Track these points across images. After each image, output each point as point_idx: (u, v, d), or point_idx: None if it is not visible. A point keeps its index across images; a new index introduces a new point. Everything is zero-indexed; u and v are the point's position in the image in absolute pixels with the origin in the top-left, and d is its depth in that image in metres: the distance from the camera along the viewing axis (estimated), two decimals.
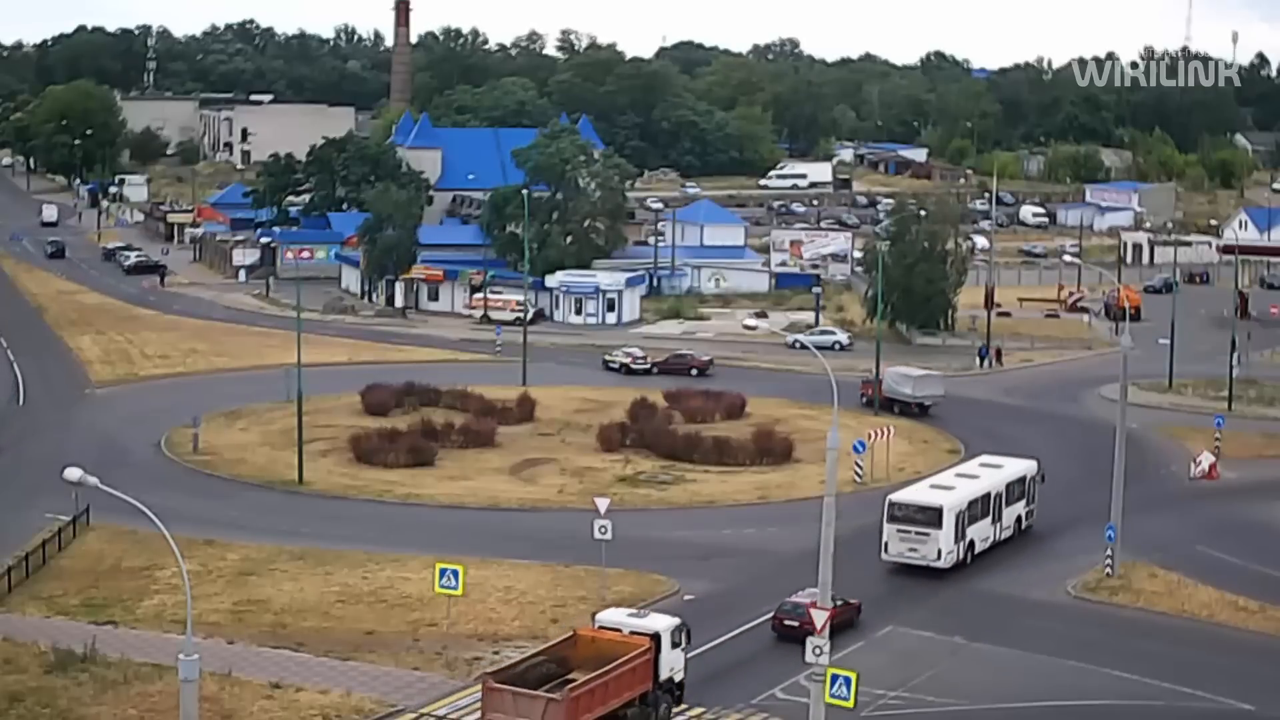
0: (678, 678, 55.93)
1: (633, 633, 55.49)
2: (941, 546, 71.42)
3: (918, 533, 71.91)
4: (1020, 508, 78.88)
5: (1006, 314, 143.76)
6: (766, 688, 58.04)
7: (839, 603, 59.21)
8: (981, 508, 74.94)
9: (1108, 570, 71.98)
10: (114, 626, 63.51)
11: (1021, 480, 79.37)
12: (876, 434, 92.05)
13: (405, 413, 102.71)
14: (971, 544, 73.65)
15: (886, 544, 73.16)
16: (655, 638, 55.10)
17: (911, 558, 72.17)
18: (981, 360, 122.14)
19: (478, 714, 53.46)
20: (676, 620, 57.25)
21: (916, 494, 74.89)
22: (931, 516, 71.30)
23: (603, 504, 70.31)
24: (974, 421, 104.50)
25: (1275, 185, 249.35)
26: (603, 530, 67.90)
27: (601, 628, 56.49)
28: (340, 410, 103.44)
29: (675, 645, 56.04)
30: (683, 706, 55.71)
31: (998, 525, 76.43)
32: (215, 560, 72.11)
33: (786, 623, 63.04)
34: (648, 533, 76.61)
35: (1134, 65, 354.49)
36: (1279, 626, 66.34)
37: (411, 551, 73.10)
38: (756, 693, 57.74)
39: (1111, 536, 72.33)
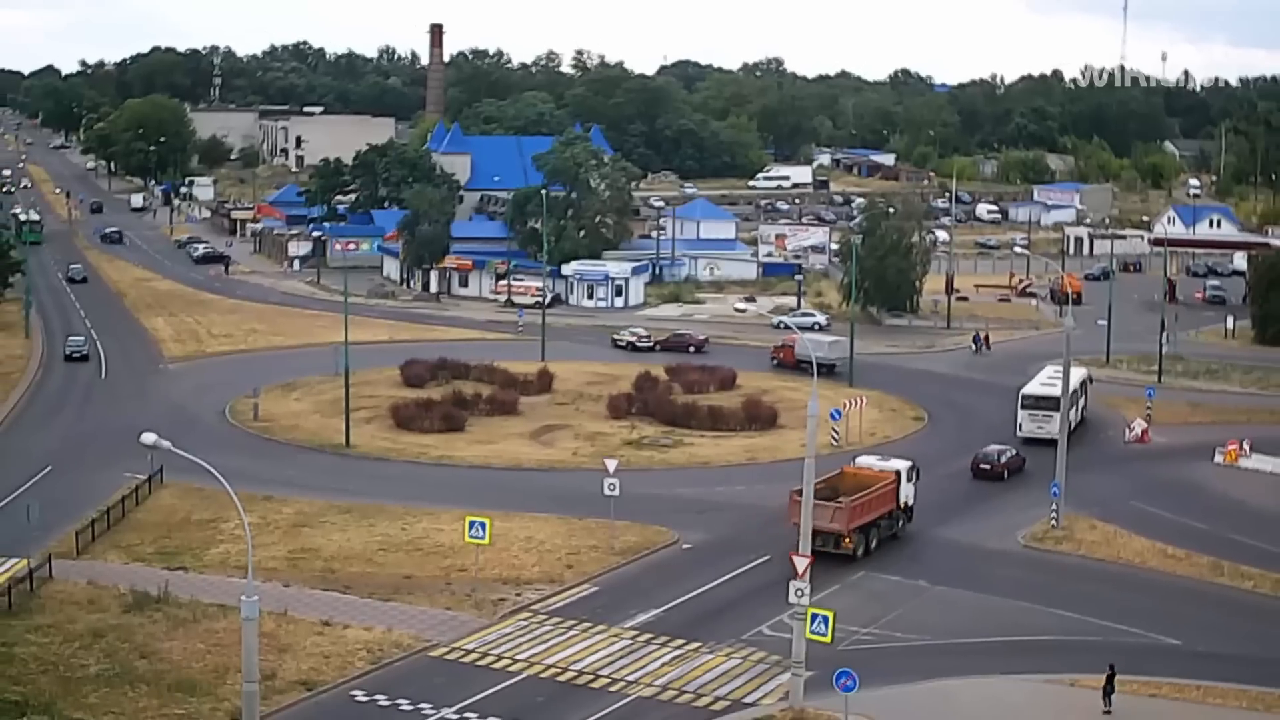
0: (910, 503, 70.94)
1: (881, 470, 70.08)
2: (1073, 419, 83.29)
3: (1044, 415, 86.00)
4: (1081, 402, 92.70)
5: (964, 299, 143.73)
6: (754, 625, 58.07)
7: (1013, 454, 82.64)
8: (1072, 400, 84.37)
9: (1053, 522, 71.99)
10: (184, 572, 63.55)
11: (1083, 384, 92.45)
12: (851, 403, 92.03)
13: (439, 385, 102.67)
14: (1070, 423, 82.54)
15: (1021, 424, 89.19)
16: (897, 474, 69.89)
17: (1038, 433, 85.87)
18: (976, 346, 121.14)
19: (504, 648, 54.34)
20: (910, 463, 71.94)
21: (1041, 389, 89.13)
22: (1052, 404, 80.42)
23: (611, 464, 70.38)
24: (935, 392, 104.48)
25: (1190, 190, 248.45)
26: (611, 488, 67.96)
27: (860, 468, 70.90)
28: (382, 382, 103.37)
29: (909, 480, 70.81)
30: (848, 548, 65.71)
31: (1076, 410, 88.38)
32: (273, 514, 72.13)
33: (981, 466, 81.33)
34: (651, 490, 76.58)
35: (1075, 81, 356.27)
36: (1202, 571, 66.23)
37: (444, 506, 73.09)
38: (746, 629, 57.75)
39: (1056, 492, 72.52)
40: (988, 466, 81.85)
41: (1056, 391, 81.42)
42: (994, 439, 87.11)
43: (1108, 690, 49.67)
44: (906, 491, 70.41)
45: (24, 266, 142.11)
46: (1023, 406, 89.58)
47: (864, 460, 72.94)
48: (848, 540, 65.68)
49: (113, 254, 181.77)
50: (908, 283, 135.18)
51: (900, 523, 70.46)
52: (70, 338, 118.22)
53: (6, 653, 53.81)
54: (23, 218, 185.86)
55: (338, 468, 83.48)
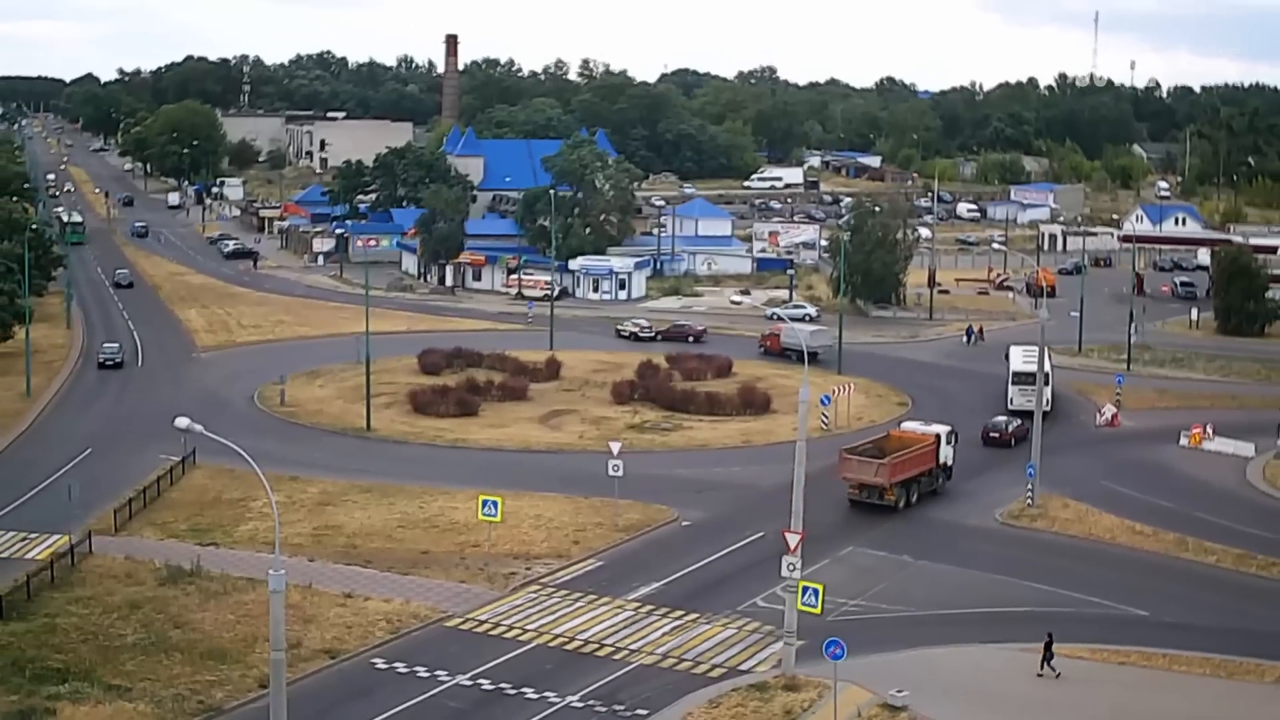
0: (949, 463, 74.91)
1: (923, 434, 74.03)
2: (1047, 395, 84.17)
3: (1032, 389, 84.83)
4: (1053, 380, 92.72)
5: (945, 291, 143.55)
6: (749, 597, 58.09)
7: (1018, 423, 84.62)
8: (1048, 379, 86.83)
9: (1029, 501, 71.96)
10: (215, 547, 63.63)
11: (1051, 368, 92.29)
12: (839, 389, 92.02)
13: (454, 372, 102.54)
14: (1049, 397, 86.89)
15: (1011, 398, 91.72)
16: (937, 437, 74.08)
17: (1028, 405, 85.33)
18: (969, 339, 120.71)
19: (515, 619, 54.46)
20: (949, 427, 76.06)
21: (1029, 366, 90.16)
22: (1041, 379, 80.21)
23: (615, 447, 70.43)
24: (918, 379, 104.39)
25: (1159, 191, 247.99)
26: (615, 469, 68.00)
27: (904, 431, 75.41)
28: (401, 370, 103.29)
29: (948, 443, 74.79)
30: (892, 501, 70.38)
31: (1049, 388, 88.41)
32: (298, 493, 72.14)
33: (991, 435, 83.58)
34: (652, 471, 76.53)
35: (1050, 88, 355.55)
36: (1168, 547, 66.24)
37: (459, 486, 73.10)
38: (741, 601, 57.78)
39: (1031, 473, 72.48)
40: (997, 435, 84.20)
41: (1046, 369, 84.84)
42: (973, 422, 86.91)
43: (1046, 656, 49.93)
44: (945, 453, 74.56)
45: (66, 262, 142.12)
46: (1014, 382, 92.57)
47: (908, 425, 77.86)
48: (889, 493, 70.34)
49: (148, 250, 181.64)
50: (892, 277, 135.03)
51: (940, 480, 74.41)
52: (105, 344, 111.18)
53: (49, 623, 53.91)
54: (66, 219, 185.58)
55: (359, 450, 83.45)
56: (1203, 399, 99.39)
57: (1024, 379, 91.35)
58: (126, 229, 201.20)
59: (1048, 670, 49.90)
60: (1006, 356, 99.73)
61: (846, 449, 72.96)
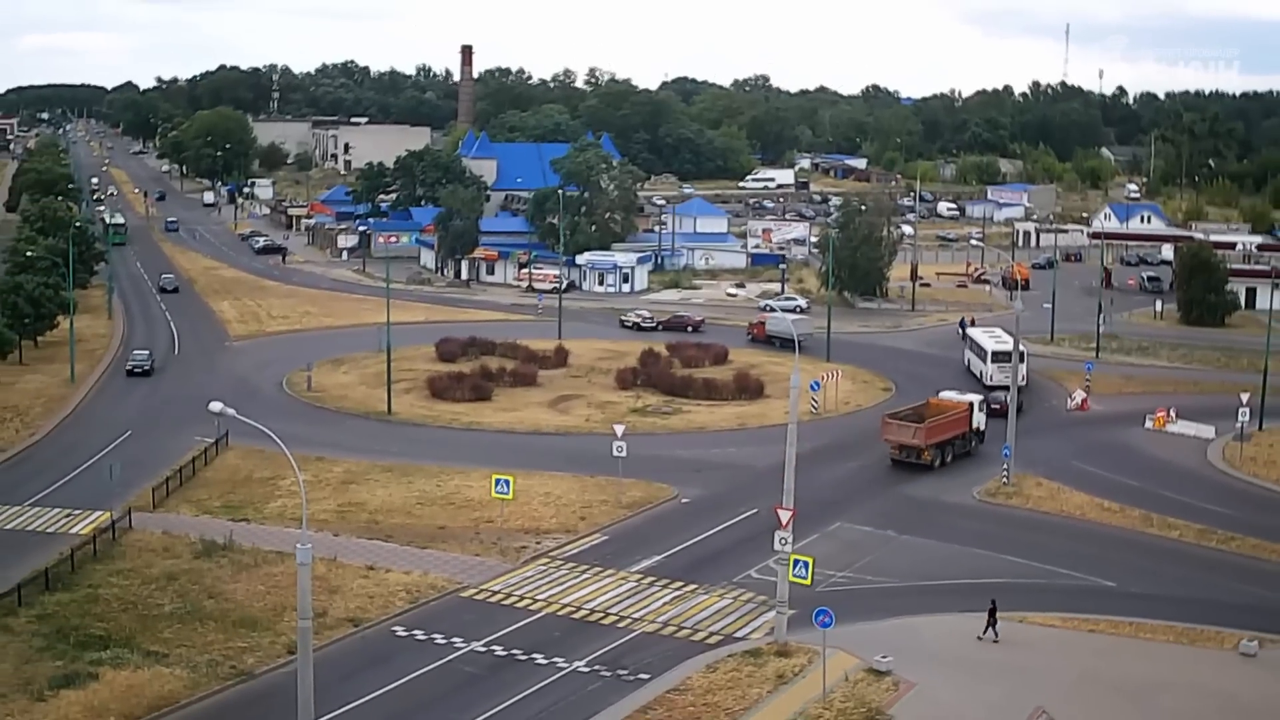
0: (982, 429, 78.39)
1: (958, 402, 78.15)
2: (1024, 372, 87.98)
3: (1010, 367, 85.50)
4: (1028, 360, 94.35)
5: (927, 285, 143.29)
6: (744, 569, 58.00)
7: (1000, 405, 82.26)
8: (1024, 356, 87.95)
9: (1004, 480, 71.85)
10: (247, 523, 63.52)
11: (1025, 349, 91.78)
12: (828, 376, 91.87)
13: (469, 360, 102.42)
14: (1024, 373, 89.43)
15: (991, 375, 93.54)
16: (970, 405, 78.10)
17: (1006, 380, 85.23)
18: (962, 331, 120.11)
19: (525, 589, 54.35)
20: (981, 397, 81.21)
21: (1007, 345, 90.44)
22: (1020, 357, 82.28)
23: (619, 429, 70.23)
24: (901, 366, 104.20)
25: (1129, 192, 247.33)
26: (619, 450, 67.83)
27: (941, 400, 79.16)
28: (419, 358, 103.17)
29: (980, 410, 78.43)
30: (929, 460, 74.03)
31: (1002, 369, 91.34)
32: (324, 472, 72.04)
33: (993, 407, 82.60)
34: (654, 452, 76.39)
35: (1024, 95, 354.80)
36: (1134, 523, 66.12)
37: (473, 466, 72.99)
38: (736, 573, 57.70)
39: (1007, 454, 72.42)
40: (997, 406, 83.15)
41: (1023, 348, 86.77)
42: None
43: (991, 622, 49.90)
44: (978, 419, 78.23)
45: (107, 257, 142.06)
46: (993, 360, 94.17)
47: (945, 394, 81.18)
48: (926, 454, 74.22)
49: (184, 246, 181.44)
50: (877, 271, 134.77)
51: (973, 443, 78.04)
52: (134, 351, 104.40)
53: (92, 593, 53.87)
54: (109, 221, 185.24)
55: (381, 432, 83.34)
56: (1166, 385, 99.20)
57: (1002, 358, 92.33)
58: (162, 224, 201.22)
59: (989, 634, 49.87)
60: (963, 337, 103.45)
61: (889, 414, 77.99)
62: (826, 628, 45.44)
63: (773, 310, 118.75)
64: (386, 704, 44.64)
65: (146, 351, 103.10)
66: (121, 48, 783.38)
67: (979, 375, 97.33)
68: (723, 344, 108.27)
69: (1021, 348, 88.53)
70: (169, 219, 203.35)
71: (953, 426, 76.36)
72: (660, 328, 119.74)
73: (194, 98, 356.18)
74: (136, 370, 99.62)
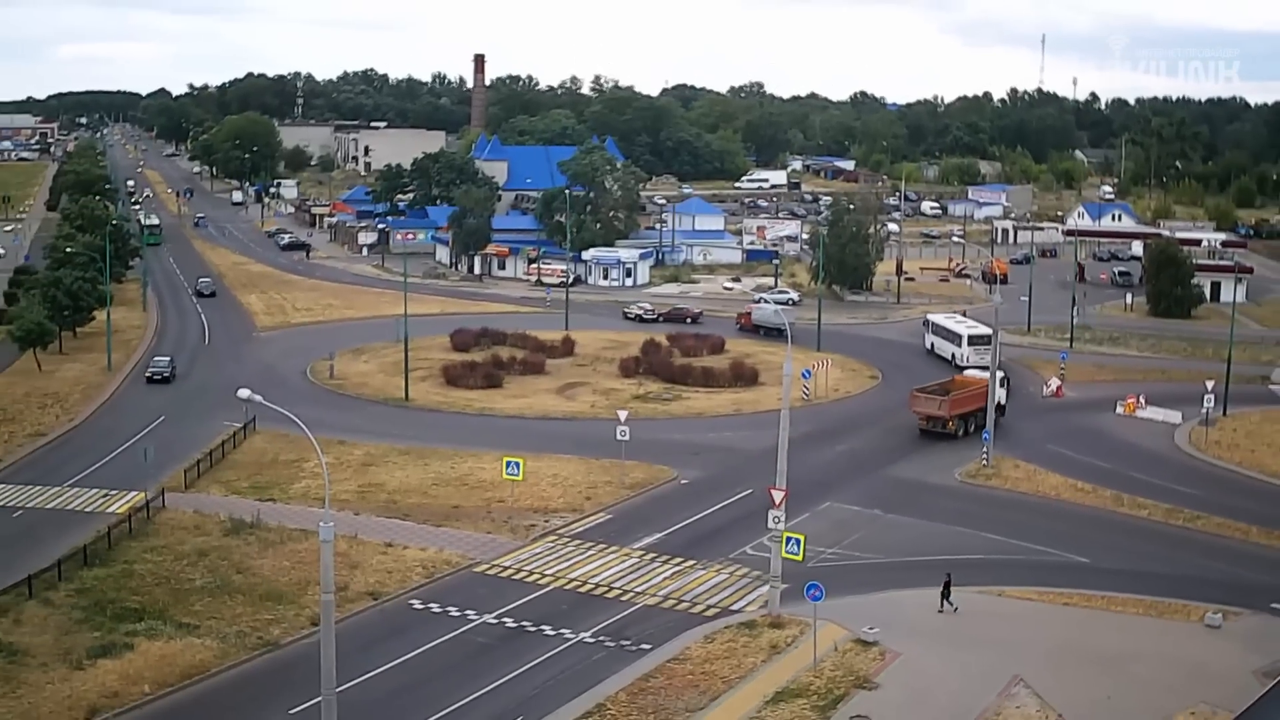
0: (1004, 403, 79.66)
1: (981, 378, 79.59)
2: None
3: (985, 348, 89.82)
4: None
5: (911, 279, 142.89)
6: (739, 546, 57.93)
7: (1003, 375, 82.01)
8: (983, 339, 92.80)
9: (984, 462, 71.72)
10: (273, 502, 63.47)
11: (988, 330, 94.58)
12: (818, 364, 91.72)
13: (481, 349, 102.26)
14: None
15: (967, 357, 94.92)
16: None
17: (979, 361, 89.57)
18: (926, 320, 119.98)
19: (534, 565, 54.36)
20: (1003, 374, 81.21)
21: (982, 330, 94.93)
22: (985, 340, 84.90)
23: (623, 415, 70.21)
24: (886, 356, 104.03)
25: (1104, 193, 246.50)
26: (622, 434, 67.74)
27: (964, 376, 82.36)
28: (435, 347, 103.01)
29: (1001, 386, 79.12)
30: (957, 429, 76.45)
31: (977, 351, 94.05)
32: (345, 455, 71.94)
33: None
34: (654, 435, 76.26)
35: (1002, 101, 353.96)
36: (1106, 502, 66.04)
37: (486, 449, 72.89)
38: (732, 549, 57.62)
39: (987, 437, 72.34)
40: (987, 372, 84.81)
41: (985, 331, 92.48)
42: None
43: (945, 594, 49.88)
44: (1000, 394, 78.96)
45: (141, 253, 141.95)
46: (969, 344, 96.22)
47: (970, 372, 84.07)
48: (950, 424, 76.64)
49: (214, 243, 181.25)
50: (865, 266, 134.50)
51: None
52: (155, 358, 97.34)
53: (128, 569, 53.84)
54: (144, 222, 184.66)
55: (398, 417, 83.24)
56: (1136, 373, 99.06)
57: (979, 341, 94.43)
58: (192, 221, 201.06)
59: (946, 606, 49.77)
60: (925, 324, 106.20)
61: (917, 388, 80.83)
62: (817, 601, 45.37)
63: (764, 300, 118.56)
64: (404, 672, 44.59)
65: (167, 358, 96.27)
66: (156, 57, 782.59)
67: (950, 358, 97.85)
68: (719, 335, 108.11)
69: (983, 329, 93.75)
70: (198, 214, 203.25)
71: (974, 400, 78.05)
72: (661, 319, 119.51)
73: (223, 103, 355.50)
74: (156, 377, 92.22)
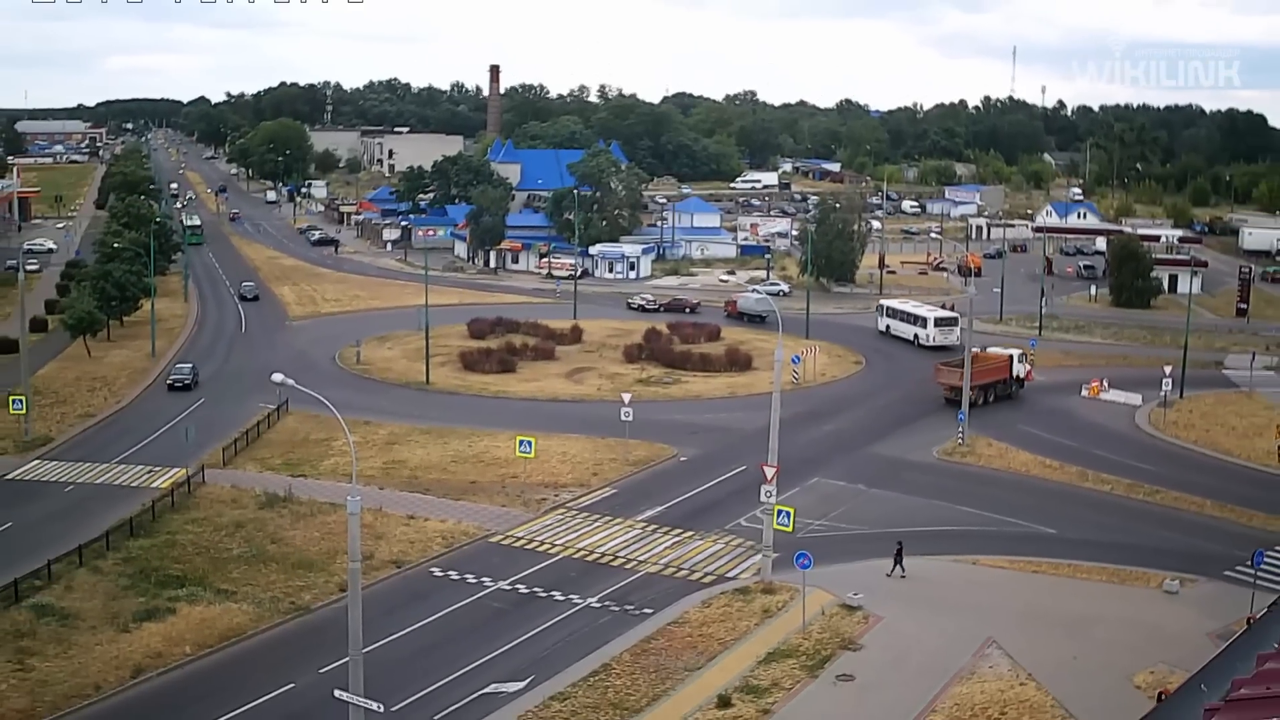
0: (1021, 376, 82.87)
1: (999, 354, 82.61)
2: (957, 335, 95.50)
3: (949, 329, 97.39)
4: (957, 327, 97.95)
5: (893, 272, 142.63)
6: (734, 518, 57.87)
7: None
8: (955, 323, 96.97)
9: (960, 441, 71.60)
10: (304, 478, 63.41)
11: (955, 314, 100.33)
12: (807, 351, 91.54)
13: (496, 337, 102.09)
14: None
15: (932, 336, 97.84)
16: (1010, 357, 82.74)
17: (945, 341, 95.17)
18: (881, 305, 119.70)
19: (545, 535, 54.25)
20: (1021, 351, 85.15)
21: (943, 313, 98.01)
22: (952, 321, 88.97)
23: (626, 397, 70.11)
24: (870, 343, 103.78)
25: (1073, 194, 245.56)
26: (626, 415, 67.63)
27: (984, 353, 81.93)
28: (453, 335, 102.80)
29: (1019, 361, 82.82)
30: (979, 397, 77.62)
31: (942, 332, 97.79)
32: (371, 434, 71.86)
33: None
34: (656, 416, 76.21)
35: (977, 108, 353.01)
36: (1072, 478, 65.95)
37: (500, 428, 72.81)
38: (728, 521, 57.57)
39: (962, 418, 72.15)
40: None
41: (951, 314, 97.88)
42: (915, 378, 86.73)
43: (897, 560, 49.89)
44: (1018, 369, 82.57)
45: (184, 248, 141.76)
46: (935, 325, 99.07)
47: (991, 350, 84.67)
48: (971, 394, 75.52)
49: (249, 238, 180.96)
50: (850, 260, 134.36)
51: (1013, 388, 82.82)
52: (177, 364, 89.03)
53: (170, 539, 53.81)
54: (186, 223, 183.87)
55: (420, 400, 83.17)
56: (1100, 359, 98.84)
57: (945, 323, 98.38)
58: (228, 217, 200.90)
59: (897, 571, 49.70)
60: (880, 309, 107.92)
61: (941, 361, 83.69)
62: (806, 569, 45.29)
63: (756, 291, 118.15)
64: (425, 635, 44.57)
65: (189, 365, 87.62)
66: (196, 67, 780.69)
67: (912, 339, 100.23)
68: (716, 323, 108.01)
69: (955, 314, 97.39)
70: (233, 210, 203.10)
71: (994, 373, 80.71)
72: (662, 309, 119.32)
73: (258, 110, 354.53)
74: (177, 385, 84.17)
